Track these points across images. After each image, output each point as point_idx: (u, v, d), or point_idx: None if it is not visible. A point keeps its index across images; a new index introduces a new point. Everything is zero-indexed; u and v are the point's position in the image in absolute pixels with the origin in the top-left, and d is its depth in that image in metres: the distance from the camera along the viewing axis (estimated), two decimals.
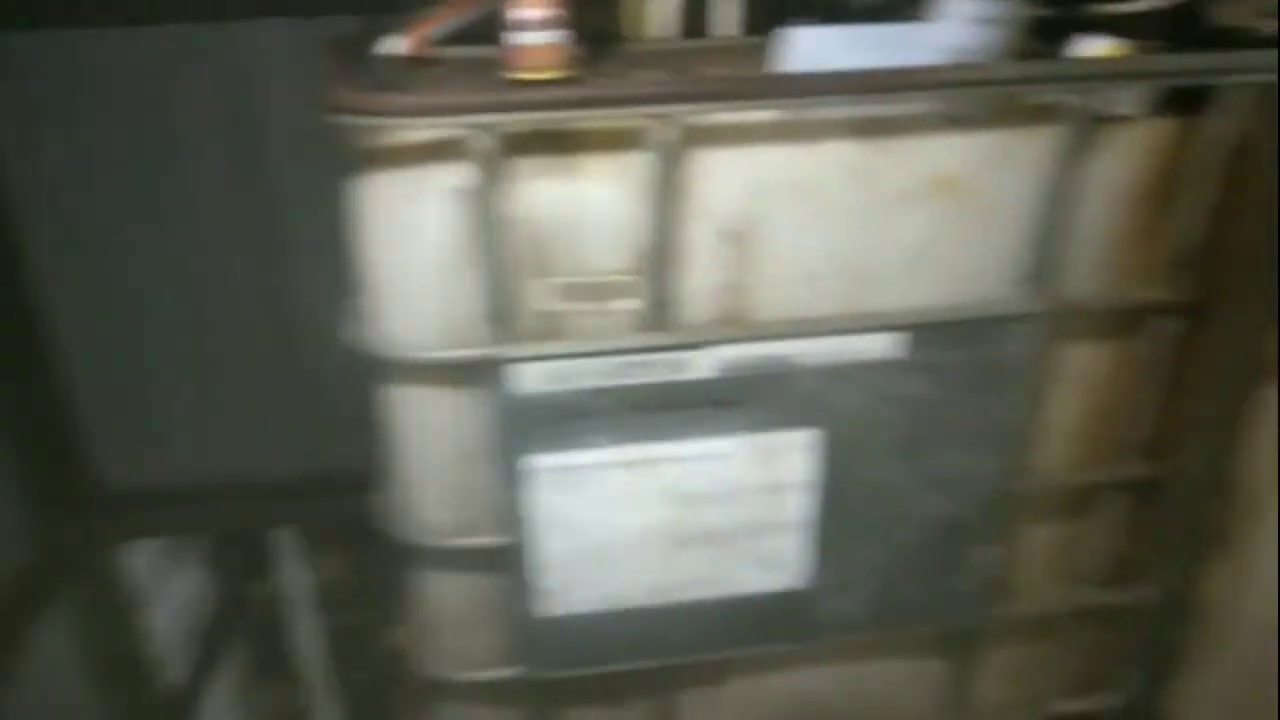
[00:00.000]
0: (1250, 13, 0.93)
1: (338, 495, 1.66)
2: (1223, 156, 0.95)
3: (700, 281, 0.97)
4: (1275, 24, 0.93)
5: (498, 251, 0.90)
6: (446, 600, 1.13)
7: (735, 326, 0.98)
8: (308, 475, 1.76)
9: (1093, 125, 0.92)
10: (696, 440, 1.02)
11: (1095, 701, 1.33)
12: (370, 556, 2.03)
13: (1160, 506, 1.22)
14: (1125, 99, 0.94)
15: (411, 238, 0.92)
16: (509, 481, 1.01)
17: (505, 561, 1.06)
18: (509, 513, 1.03)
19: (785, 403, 1.02)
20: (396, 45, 1.05)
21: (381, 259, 0.94)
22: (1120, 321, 1.06)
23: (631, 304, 0.96)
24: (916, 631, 1.19)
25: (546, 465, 1.01)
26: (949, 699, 1.26)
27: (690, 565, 1.09)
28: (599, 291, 0.96)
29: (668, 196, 0.91)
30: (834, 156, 0.94)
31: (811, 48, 0.91)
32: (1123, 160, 0.97)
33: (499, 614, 1.10)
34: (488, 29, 0.93)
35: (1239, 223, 1.04)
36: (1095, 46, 0.94)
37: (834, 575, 1.11)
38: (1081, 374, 1.08)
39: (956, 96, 0.90)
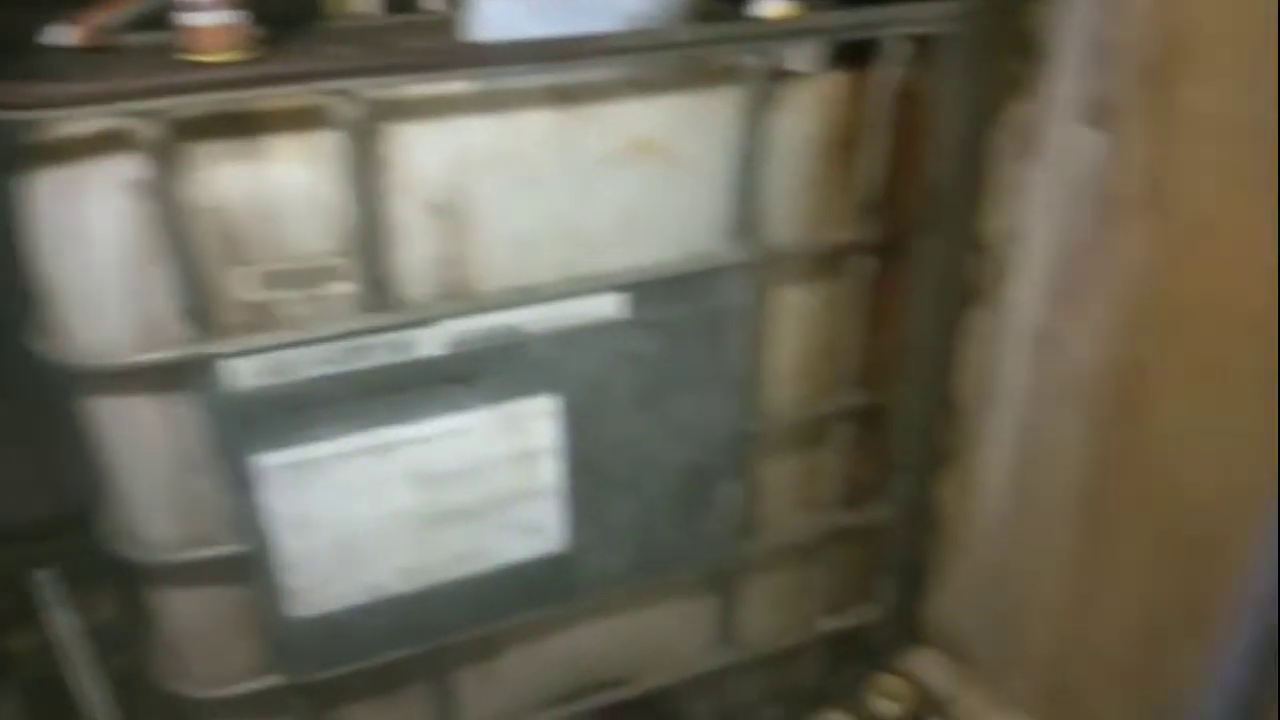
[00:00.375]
0: None
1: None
2: (891, 104, 1.04)
3: (416, 257, 0.96)
4: None
5: (185, 244, 0.86)
6: (194, 617, 1.07)
7: (458, 300, 0.98)
8: (63, 510, 1.62)
9: (772, 83, 0.98)
10: (436, 419, 1.02)
11: (858, 616, 1.44)
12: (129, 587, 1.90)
13: (888, 429, 1.33)
14: (801, 56, 1.00)
15: (87, 237, 0.85)
16: (238, 485, 0.97)
17: (248, 569, 1.01)
18: (244, 517, 0.98)
19: (520, 371, 1.03)
20: (65, 35, 0.97)
21: (59, 262, 0.87)
22: (825, 263, 1.14)
23: (346, 286, 0.94)
24: (678, 576, 1.24)
25: (277, 463, 0.97)
26: (720, 634, 1.33)
27: (447, 544, 1.09)
28: (308, 277, 0.93)
29: (366, 174, 0.89)
30: (534, 125, 0.95)
31: (499, 17, 0.92)
32: (806, 114, 1.03)
33: (252, 623, 1.06)
34: None
35: (921, 163, 1.14)
36: (770, 7, 0.99)
37: (592, 534, 1.14)
38: (798, 315, 1.16)
39: (640, 61, 0.93)
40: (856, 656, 1.46)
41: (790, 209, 1.08)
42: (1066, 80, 1.16)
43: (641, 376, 1.07)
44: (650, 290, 1.03)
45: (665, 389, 1.09)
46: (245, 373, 0.92)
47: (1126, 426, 1.18)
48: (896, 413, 1.31)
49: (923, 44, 1.07)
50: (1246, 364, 1.00)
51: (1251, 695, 1.03)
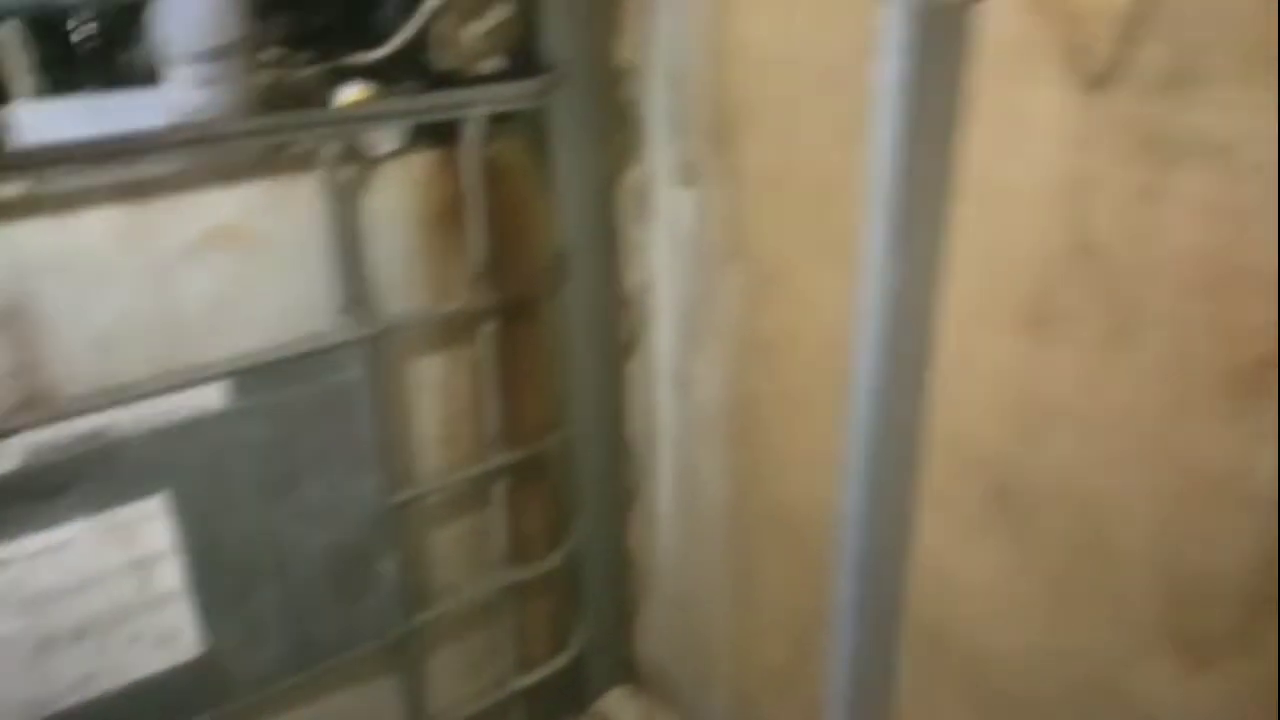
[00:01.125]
0: (464, 57, 1.07)
1: None
2: (483, 177, 1.09)
3: None
4: (492, 64, 1.09)
5: None
6: None
7: (37, 409, 0.93)
8: None
9: (353, 165, 1.01)
10: (30, 537, 0.96)
11: (555, 665, 1.46)
12: None
13: (552, 481, 1.38)
14: (385, 137, 1.04)
15: None
16: None
17: None
18: None
19: (121, 476, 0.99)
20: None
21: None
22: (454, 329, 1.17)
23: None
24: (343, 661, 1.21)
25: None
26: (410, 710, 1.31)
27: (68, 667, 1.02)
28: None
29: None
30: (100, 223, 0.93)
31: (43, 119, 0.89)
32: (398, 192, 1.07)
33: None
34: None
35: (532, 230, 1.21)
36: (345, 93, 1.03)
37: (235, 633, 1.10)
38: (435, 381, 1.19)
39: (189, 153, 0.94)
40: (562, 705, 1.48)
41: (403, 281, 1.11)
42: (661, 146, 1.27)
43: (261, 463, 1.06)
44: (255, 376, 1.02)
45: (292, 472, 1.08)
46: None
47: (749, 454, 1.28)
48: (574, 460, 1.36)
49: (510, 119, 1.14)
50: (821, 392, 1.12)
51: (866, 689, 1.14)
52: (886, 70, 0.82)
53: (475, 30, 1.06)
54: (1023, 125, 0.82)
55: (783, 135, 1.09)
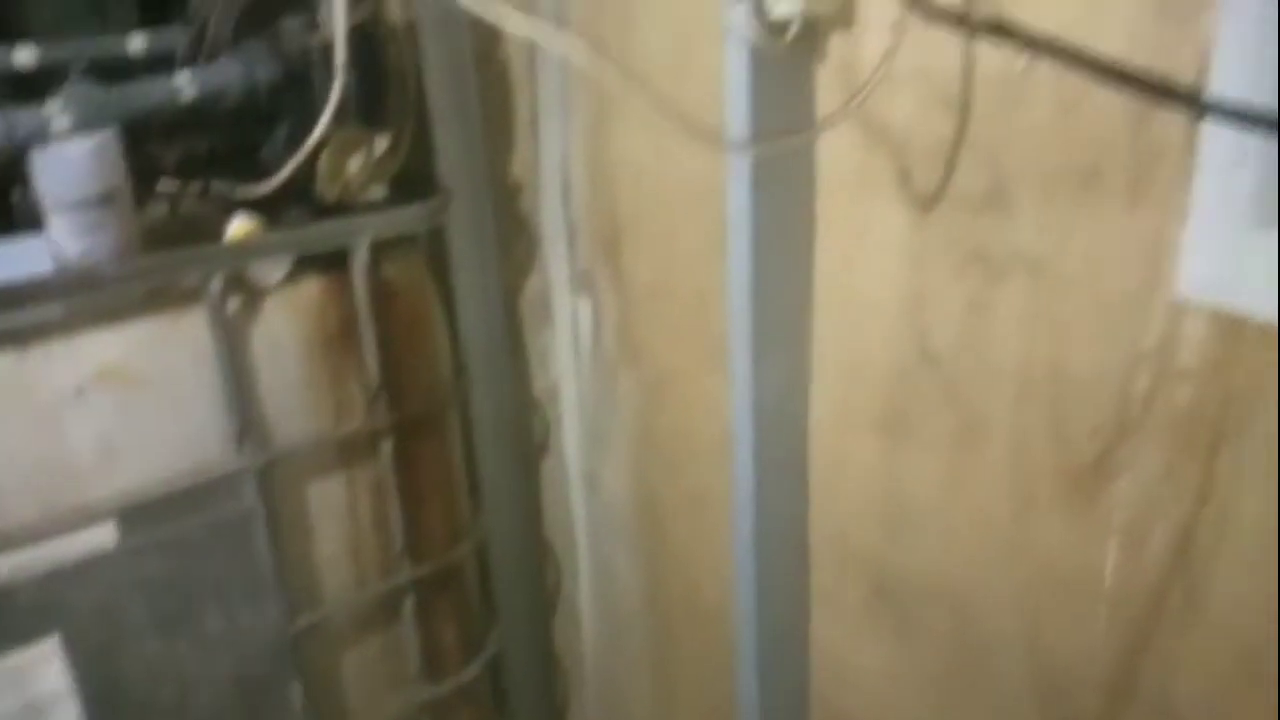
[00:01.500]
0: (349, 188, 1.10)
1: None
2: (373, 299, 1.11)
3: None
4: (379, 191, 1.13)
5: None
6: None
7: None
8: None
9: (238, 298, 1.03)
10: None
11: None
12: None
13: (471, 587, 1.38)
14: (272, 267, 1.07)
15: None
16: None
17: None
18: None
19: (12, 619, 0.98)
20: None
21: None
22: (353, 449, 1.18)
23: None
24: None
25: None
26: None
27: None
28: None
29: None
30: None
31: None
32: (288, 319, 1.09)
33: None
34: None
35: (428, 347, 1.23)
36: (232, 227, 1.05)
37: None
38: (336, 503, 1.19)
39: (75, 298, 0.95)
40: None
41: (297, 406, 1.12)
42: (558, 256, 1.32)
43: (157, 599, 1.05)
44: (147, 512, 1.02)
45: (189, 606, 1.08)
46: None
47: (658, 550, 1.30)
48: (490, 565, 1.36)
49: (405, 240, 1.17)
50: (715, 491, 1.15)
51: None
52: (733, 203, 0.87)
53: (359, 161, 1.09)
54: (869, 245, 0.87)
55: (663, 247, 1.13)
